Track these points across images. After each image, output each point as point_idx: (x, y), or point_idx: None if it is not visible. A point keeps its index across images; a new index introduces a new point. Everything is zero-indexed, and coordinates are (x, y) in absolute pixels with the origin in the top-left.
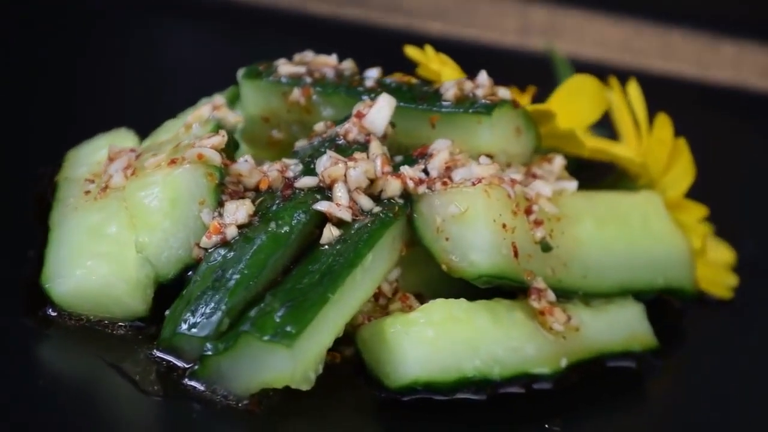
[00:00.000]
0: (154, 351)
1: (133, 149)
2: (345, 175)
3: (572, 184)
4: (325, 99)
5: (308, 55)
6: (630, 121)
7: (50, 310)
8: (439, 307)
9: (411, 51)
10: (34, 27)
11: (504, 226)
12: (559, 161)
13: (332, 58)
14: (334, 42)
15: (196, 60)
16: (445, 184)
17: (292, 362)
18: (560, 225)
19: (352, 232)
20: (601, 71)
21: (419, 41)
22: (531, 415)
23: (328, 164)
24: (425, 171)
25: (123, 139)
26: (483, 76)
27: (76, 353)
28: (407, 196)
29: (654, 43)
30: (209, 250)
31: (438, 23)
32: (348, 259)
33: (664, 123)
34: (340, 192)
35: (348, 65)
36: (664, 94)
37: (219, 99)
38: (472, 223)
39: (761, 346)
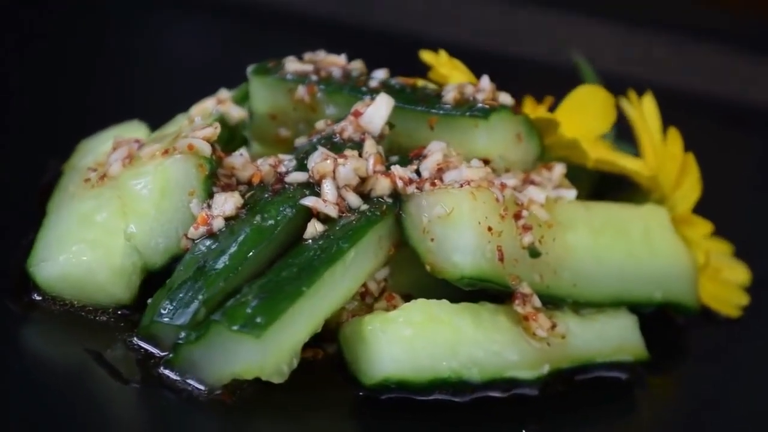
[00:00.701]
0: (134, 339)
1: (138, 140)
2: (334, 172)
3: (570, 193)
4: (329, 97)
5: (320, 55)
6: (646, 135)
7: (35, 295)
8: (420, 307)
9: (425, 55)
10: (56, 21)
11: (490, 229)
12: (558, 169)
13: (341, 58)
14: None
15: (215, 56)
16: (433, 185)
17: (261, 353)
18: (552, 232)
19: (337, 228)
20: (622, 83)
21: (447, 49)
22: (510, 420)
23: (318, 160)
24: (417, 172)
25: (134, 131)
26: (485, 81)
27: (56, 338)
28: (397, 195)
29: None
30: (196, 241)
31: (466, 31)
32: (328, 255)
33: (674, 138)
34: (328, 188)
35: (356, 65)
36: (689, 109)
37: (224, 93)
38: (456, 225)
39: (759, 365)
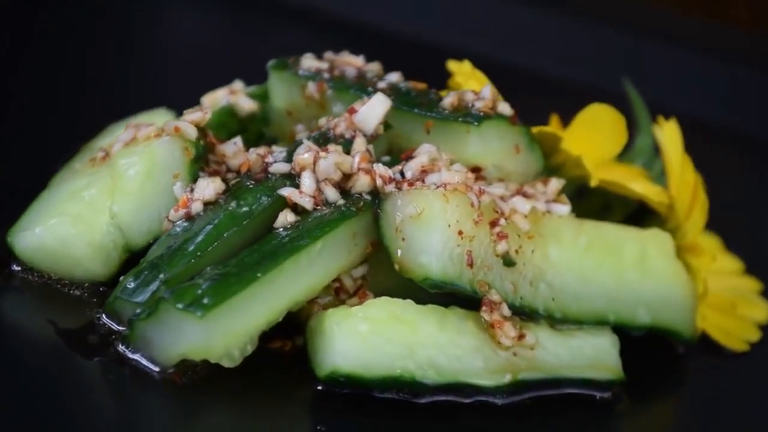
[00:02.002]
0: (101, 315)
1: (152, 125)
2: (314, 165)
3: (563, 208)
4: (337, 95)
5: (344, 55)
6: (668, 162)
7: (15, 266)
8: (383, 304)
9: (451, 63)
10: (85, 14)
11: (460, 233)
12: (554, 184)
13: (358, 59)
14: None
15: (250, 51)
16: (411, 185)
17: (206, 334)
18: (531, 243)
19: (309, 220)
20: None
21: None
22: (465, 426)
23: (300, 152)
24: (402, 173)
25: (160, 117)
26: (486, 90)
27: (26, 309)
28: (377, 193)
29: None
30: (175, 223)
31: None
32: (293, 244)
33: (687, 165)
34: (306, 180)
35: (372, 67)
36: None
37: (237, 84)
38: (426, 225)
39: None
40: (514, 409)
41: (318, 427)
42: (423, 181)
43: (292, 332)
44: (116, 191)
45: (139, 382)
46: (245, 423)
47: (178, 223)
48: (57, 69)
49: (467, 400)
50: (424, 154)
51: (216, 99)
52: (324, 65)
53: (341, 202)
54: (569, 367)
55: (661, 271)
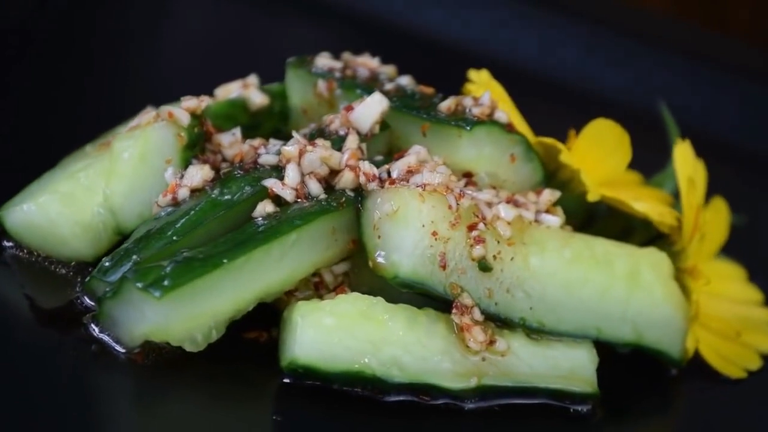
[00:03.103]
0: (81, 294)
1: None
2: (300, 158)
3: (554, 219)
4: (345, 94)
5: (363, 57)
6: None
7: (5, 241)
8: (353, 300)
9: (471, 71)
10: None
11: (435, 233)
12: (546, 194)
13: (373, 60)
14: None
15: (283, 46)
16: (392, 183)
17: (165, 316)
18: (511, 250)
19: (288, 212)
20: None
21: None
22: (427, 428)
23: (288, 145)
24: (389, 172)
25: None
26: (486, 96)
27: (7, 284)
28: (361, 191)
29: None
30: (162, 208)
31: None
32: (266, 234)
33: (693, 187)
34: (290, 172)
35: (387, 69)
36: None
37: (252, 78)
38: (400, 223)
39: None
40: (481, 414)
41: (274, 417)
42: (407, 181)
43: (271, 324)
44: (112, 174)
45: (104, 361)
46: (200, 407)
47: (164, 207)
48: (93, 54)
49: (435, 402)
50: (412, 155)
51: (228, 91)
52: (338, 65)
53: (323, 196)
54: (541, 377)
55: (652, 290)
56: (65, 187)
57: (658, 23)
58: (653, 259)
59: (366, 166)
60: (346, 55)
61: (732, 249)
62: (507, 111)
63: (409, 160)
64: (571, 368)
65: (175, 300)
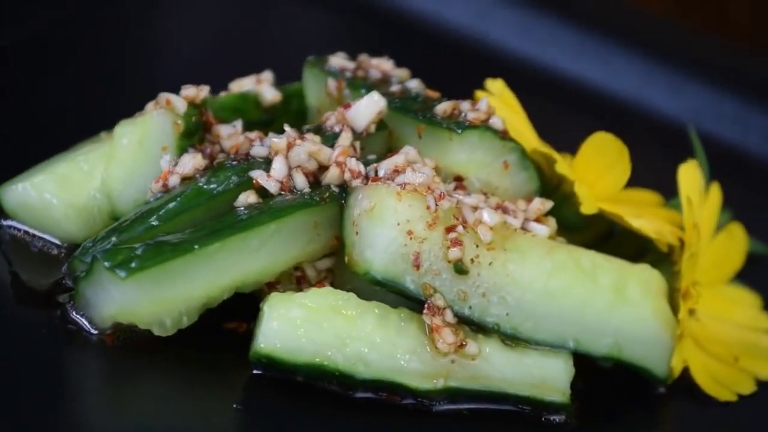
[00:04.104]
0: (66, 274)
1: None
2: (288, 151)
3: (541, 228)
4: (352, 95)
5: (382, 59)
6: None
7: (3, 219)
8: (325, 294)
9: (490, 81)
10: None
11: (410, 233)
12: (536, 203)
13: (387, 63)
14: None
15: (312, 43)
16: (374, 180)
17: (130, 297)
18: (490, 255)
19: (271, 203)
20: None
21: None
22: (390, 426)
23: (277, 137)
24: (376, 170)
25: None
26: (483, 102)
27: None
28: (346, 187)
29: None
30: (154, 194)
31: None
32: (243, 223)
33: (693, 208)
34: (277, 164)
35: (399, 72)
36: None
37: (266, 74)
38: (375, 221)
39: None
40: (449, 417)
41: (234, 405)
42: (393, 180)
43: (253, 316)
44: (111, 159)
45: (78, 341)
46: (166, 392)
47: (156, 194)
48: (122, 43)
49: (404, 402)
50: (401, 155)
51: (242, 86)
52: (351, 65)
53: (307, 190)
54: (511, 384)
55: (638, 306)
56: (63, 169)
57: (683, 34)
58: (644, 275)
59: (352, 163)
60: (362, 57)
61: (755, 277)
62: (509, 118)
63: (396, 159)
64: (543, 377)
65: (142, 282)
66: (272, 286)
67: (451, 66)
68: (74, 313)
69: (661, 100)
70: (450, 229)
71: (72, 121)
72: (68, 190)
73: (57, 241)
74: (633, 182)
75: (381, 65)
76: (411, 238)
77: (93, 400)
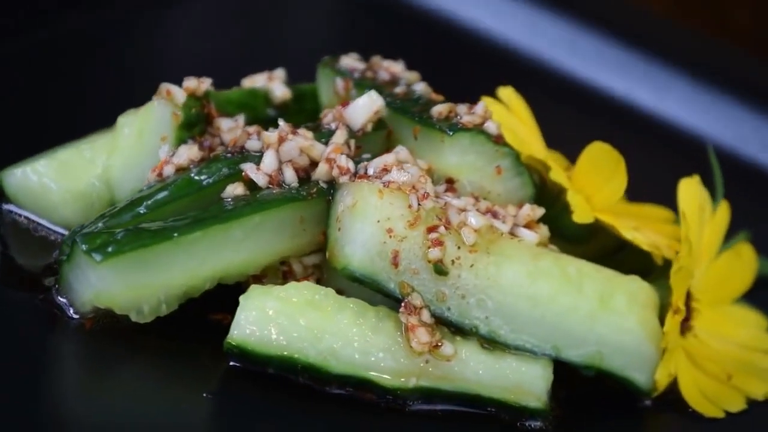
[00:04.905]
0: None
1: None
2: (279, 145)
3: (530, 234)
4: (358, 94)
5: (393, 62)
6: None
7: (5, 204)
8: (303, 288)
9: (502, 89)
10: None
11: (390, 231)
12: (526, 209)
13: (398, 65)
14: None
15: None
16: (361, 178)
17: (107, 282)
18: (472, 257)
19: (257, 195)
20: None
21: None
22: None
23: (270, 131)
24: (366, 168)
25: None
26: (480, 106)
27: None
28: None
29: None
30: (149, 183)
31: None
32: (227, 214)
33: (689, 225)
34: (267, 158)
35: (409, 75)
36: None
37: (279, 72)
38: (356, 217)
39: None
40: (421, 417)
41: (204, 394)
42: (380, 179)
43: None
44: (113, 148)
45: (57, 325)
46: (135, 377)
47: (150, 183)
48: (138, 39)
49: (378, 399)
50: (392, 155)
51: (253, 81)
52: (361, 66)
53: (295, 185)
54: (486, 387)
55: (623, 317)
56: (65, 155)
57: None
58: (632, 287)
59: (342, 160)
60: (375, 58)
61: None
62: (513, 124)
63: (386, 158)
64: (520, 382)
65: (118, 267)
66: (258, 279)
67: (469, 69)
68: (58, 296)
69: (678, 108)
70: (431, 229)
71: (91, 112)
72: (67, 176)
73: (52, 226)
74: (650, 196)
75: (391, 67)
76: (391, 236)
77: (66, 382)
